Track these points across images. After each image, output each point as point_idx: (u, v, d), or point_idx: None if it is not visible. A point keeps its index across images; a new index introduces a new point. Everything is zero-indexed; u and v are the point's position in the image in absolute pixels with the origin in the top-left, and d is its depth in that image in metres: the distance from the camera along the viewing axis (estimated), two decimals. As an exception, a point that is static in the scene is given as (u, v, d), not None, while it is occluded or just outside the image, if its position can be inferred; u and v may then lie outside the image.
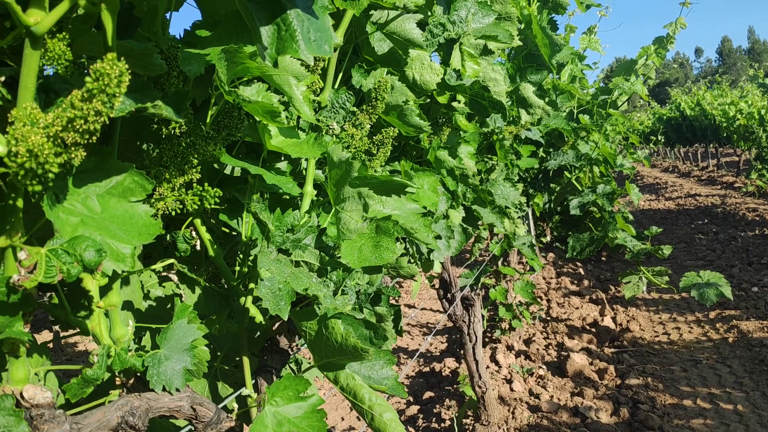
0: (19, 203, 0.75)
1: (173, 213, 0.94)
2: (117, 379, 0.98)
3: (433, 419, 3.81)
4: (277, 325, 1.32)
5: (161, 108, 0.82)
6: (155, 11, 1.24)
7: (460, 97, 2.37)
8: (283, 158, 1.44)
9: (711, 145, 20.23)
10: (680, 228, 10.23)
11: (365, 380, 1.17)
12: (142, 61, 0.98)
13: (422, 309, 6.84)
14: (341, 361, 1.09)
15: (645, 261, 6.96)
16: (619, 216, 4.82)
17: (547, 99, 3.54)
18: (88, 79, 0.63)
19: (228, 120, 0.98)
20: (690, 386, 4.06)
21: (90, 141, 0.66)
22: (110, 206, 0.82)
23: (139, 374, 0.98)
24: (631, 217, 5.58)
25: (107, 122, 0.65)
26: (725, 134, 16.74)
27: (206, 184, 0.97)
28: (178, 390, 0.97)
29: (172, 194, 0.92)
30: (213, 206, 1.05)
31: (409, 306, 6.90)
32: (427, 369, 4.82)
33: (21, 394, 0.78)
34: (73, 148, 0.66)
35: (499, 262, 4.81)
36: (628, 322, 5.35)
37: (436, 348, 5.45)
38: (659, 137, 23.01)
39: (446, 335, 5.71)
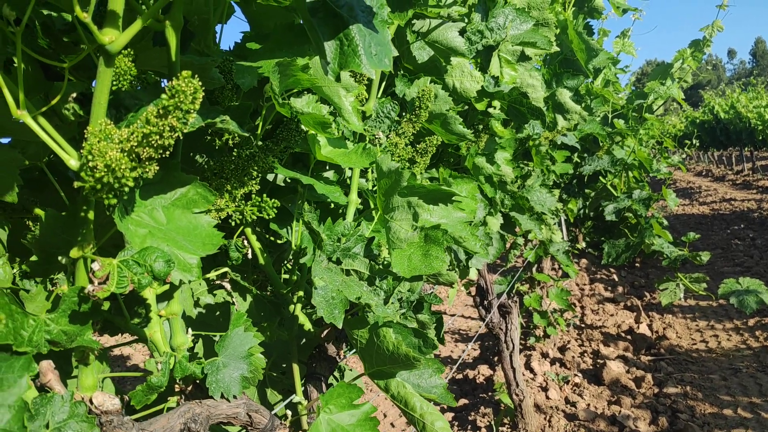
0: (91, 215, 0.77)
1: (233, 223, 0.96)
2: (176, 386, 1.00)
3: (468, 426, 3.80)
4: (325, 332, 1.34)
5: (228, 123, 0.84)
6: (207, 25, 1.28)
7: (495, 102, 2.37)
8: (328, 168, 1.46)
9: (746, 149, 19.85)
10: (716, 233, 10.05)
11: (414, 388, 1.18)
12: (202, 75, 1.00)
13: (453, 315, 6.82)
14: (392, 369, 1.10)
15: (680, 267, 6.86)
16: (655, 222, 4.76)
17: (582, 104, 3.52)
18: (164, 96, 0.65)
19: (286, 132, 1.00)
20: (730, 395, 3.99)
21: (163, 155, 0.68)
22: (175, 217, 0.84)
23: (197, 381, 1.00)
24: (665, 222, 5.51)
25: (181, 137, 0.67)
26: (761, 137, 16.42)
27: (264, 195, 0.99)
28: (235, 397, 0.99)
29: (232, 205, 0.94)
30: (267, 218, 1.07)
31: (443, 313, 6.88)
32: (460, 376, 4.81)
33: (90, 401, 0.80)
34: (147, 163, 0.68)
35: (533, 269, 4.79)
36: (664, 329, 5.27)
37: (469, 355, 5.43)
38: (693, 141, 22.65)
39: (479, 342, 5.68)
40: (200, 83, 0.66)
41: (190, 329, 1.01)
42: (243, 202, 0.97)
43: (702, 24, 4.84)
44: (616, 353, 4.74)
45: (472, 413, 3.94)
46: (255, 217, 0.99)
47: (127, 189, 0.68)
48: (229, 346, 0.99)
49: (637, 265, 7.90)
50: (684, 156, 31.82)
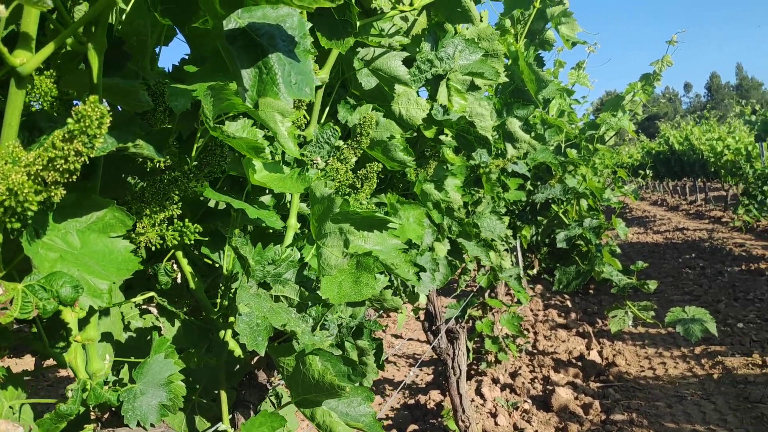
0: (-1, 238, 0.76)
1: (153, 248, 0.95)
2: (92, 413, 0.98)
3: (417, 452, 3.78)
4: (255, 359, 1.32)
5: (142, 147, 0.83)
6: (144, 46, 1.27)
7: (449, 131, 2.40)
8: (267, 191, 1.46)
9: (699, 180, 20.44)
10: (668, 262, 10.28)
11: (343, 417, 1.17)
12: (129, 98, 0.99)
13: (409, 339, 6.81)
14: (318, 397, 1.09)
15: (632, 295, 6.99)
16: (605, 250, 4.85)
17: (533, 133, 3.58)
18: (69, 120, 0.64)
19: (210, 157, 1.00)
20: (674, 422, 4.05)
21: (70, 180, 0.67)
22: (90, 241, 0.83)
23: (114, 408, 0.98)
24: (618, 250, 5.63)
25: (87, 162, 0.66)
26: (713, 169, 16.93)
27: (186, 220, 0.98)
28: (153, 425, 0.97)
29: (152, 230, 0.93)
30: (194, 241, 1.06)
31: (397, 336, 6.88)
32: (412, 401, 4.79)
33: (-7, 429, 0.78)
34: (53, 187, 0.67)
35: (487, 294, 4.82)
36: (614, 356, 5.34)
37: (422, 380, 5.42)
38: (647, 171, 23.23)
39: (432, 367, 5.68)
40: (109, 109, 0.65)
41: (108, 356, 0.99)
42: (164, 226, 0.96)
43: (659, 56, 5.00)
44: (566, 379, 4.79)
45: (422, 439, 3.93)
46: (176, 242, 0.98)
47: (30, 213, 0.67)
48: (148, 373, 0.97)
49: (590, 291, 8.03)
50: (640, 185, 32.62)
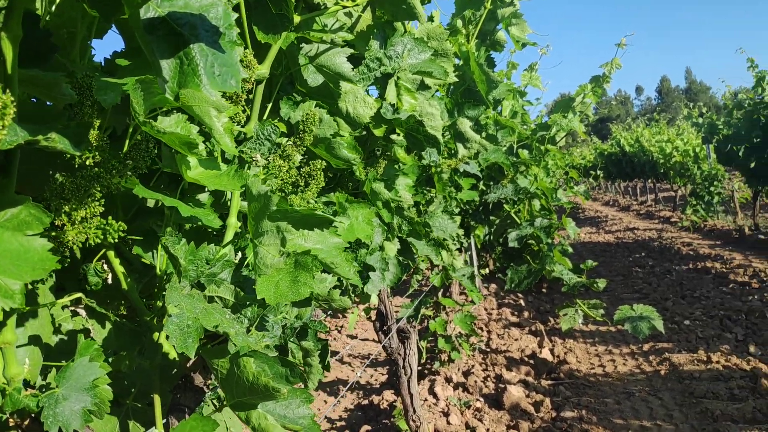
0: None
1: (75, 247, 0.91)
2: (11, 420, 0.93)
3: (370, 453, 3.77)
4: (191, 362, 1.29)
5: (55, 141, 0.79)
6: (74, 39, 1.22)
7: (400, 130, 2.39)
8: (206, 189, 1.42)
9: (649, 181, 20.95)
10: (618, 261, 10.50)
11: (280, 419, 1.15)
12: (51, 91, 0.95)
13: (364, 340, 6.80)
14: (253, 400, 1.06)
15: (584, 293, 7.11)
16: (556, 249, 4.92)
17: (485, 134, 3.60)
18: (-31, 110, 0.60)
19: (135, 152, 0.96)
20: (623, 419, 4.13)
21: (-28, 174, 0.63)
22: (3, 240, 0.79)
23: (34, 415, 0.93)
24: (570, 250, 5.70)
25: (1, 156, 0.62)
26: (662, 170, 17.37)
27: (110, 218, 0.94)
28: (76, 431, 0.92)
29: (73, 228, 0.89)
30: (123, 239, 1.02)
31: (352, 337, 6.85)
32: (366, 402, 4.77)
33: None
34: (-47, 181, 0.63)
35: (440, 293, 4.84)
36: (565, 354, 5.42)
37: (376, 380, 5.41)
38: (599, 172, 23.71)
39: (387, 367, 5.67)
40: (12, 99, 0.62)
41: (28, 360, 0.94)
42: (86, 224, 0.92)
43: (604, 63, 5.08)
44: (518, 378, 4.83)
45: (374, 439, 3.91)
46: (99, 240, 0.94)
47: (-72, 209, 0.62)
48: (71, 377, 0.93)
49: (543, 290, 8.14)
50: (592, 186, 33.27)
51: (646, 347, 5.55)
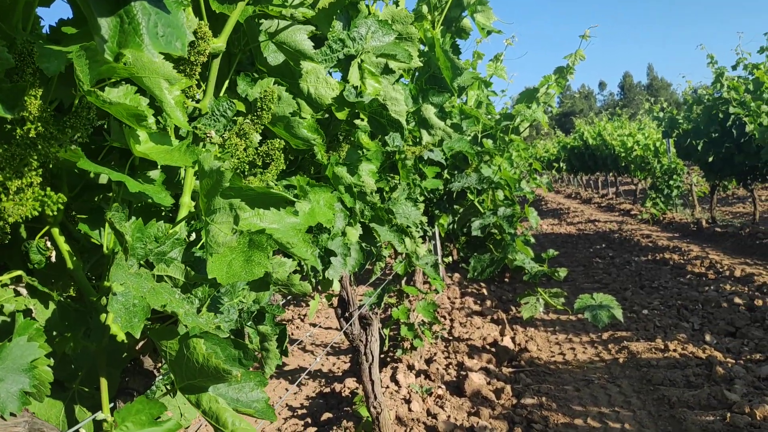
0: None
1: (11, 220, 0.85)
2: (-59, 403, 0.88)
3: (331, 441, 3.75)
4: (141, 344, 1.24)
5: (-16, 101, 0.74)
6: (14, 5, 1.16)
7: (363, 115, 2.35)
8: (158, 167, 1.37)
9: (611, 174, 21.29)
10: (580, 252, 10.64)
11: (233, 403, 1.11)
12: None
13: (327, 328, 6.77)
14: (203, 383, 1.03)
15: (546, 283, 7.18)
16: (519, 239, 4.95)
17: (450, 122, 3.59)
18: None
19: (74, 119, 0.91)
20: (582, 406, 4.18)
21: None
22: (-72, 209, 0.73)
23: (-33, 398, 0.88)
24: (533, 240, 5.75)
25: None
26: (623, 164, 17.66)
27: (48, 189, 0.89)
28: (13, 414, 0.88)
29: (8, 199, 0.83)
30: (69, 216, 0.97)
31: (314, 325, 6.82)
32: (327, 390, 4.75)
33: None
34: None
35: (404, 281, 4.83)
36: (526, 342, 5.47)
37: (338, 368, 5.38)
38: (561, 164, 23.99)
39: (350, 355, 5.65)
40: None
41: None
42: (23, 195, 0.86)
43: (568, 54, 5.10)
44: (480, 365, 4.86)
45: (335, 427, 3.89)
46: (36, 213, 0.88)
47: None
48: (7, 358, 0.88)
49: (506, 280, 8.21)
50: (554, 178, 33.69)
51: (605, 336, 5.64)
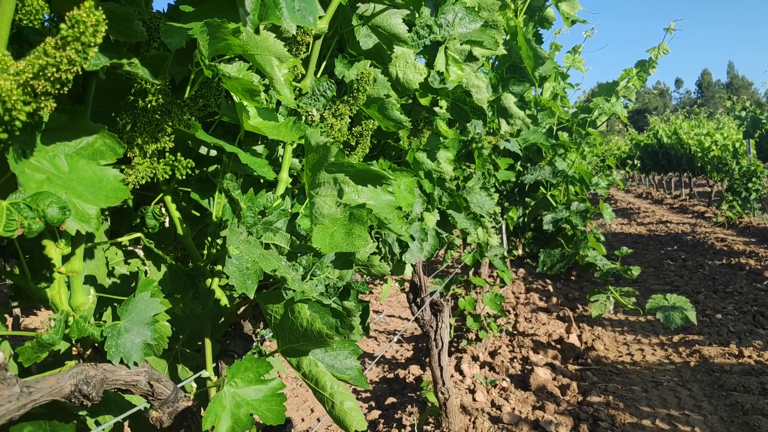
0: (-17, 155, 0.73)
1: (143, 181, 0.92)
2: (74, 349, 0.95)
3: (394, 425, 3.79)
4: (242, 309, 1.30)
5: (137, 67, 0.80)
6: (139, -18, 1.23)
7: (442, 102, 2.37)
8: (260, 142, 1.43)
9: (685, 174, 20.58)
10: (650, 253, 10.36)
11: (328, 369, 1.16)
12: (123, 26, 0.96)
13: (390, 316, 6.83)
14: (305, 347, 1.07)
15: (613, 282, 7.03)
16: (591, 235, 4.87)
17: (527, 112, 3.56)
18: (63, 25, 0.61)
19: (206, 90, 0.97)
20: (650, 407, 4.10)
21: (61, 92, 0.64)
22: (79, 167, 0.80)
23: (96, 345, 0.95)
24: (602, 238, 5.64)
25: (80, 72, 0.63)
26: (699, 164, 17.04)
27: (179, 154, 0.95)
28: (136, 364, 0.94)
29: (143, 162, 0.90)
30: (184, 181, 1.03)
31: (377, 312, 6.89)
32: (391, 375, 4.80)
33: (-29, 353, 0.75)
34: (42, 98, 0.64)
35: (470, 273, 4.83)
36: (593, 340, 5.39)
37: (402, 355, 5.43)
38: (635, 162, 23.33)
39: (413, 343, 5.70)
40: (104, 17, 0.62)
41: (92, 289, 0.96)
42: (155, 159, 0.93)
43: (651, 47, 4.97)
44: (545, 361, 4.82)
45: (399, 412, 3.94)
46: (167, 176, 0.95)
47: (18, 124, 0.64)
48: (132, 311, 0.95)
49: (572, 277, 8.08)
50: (626, 176, 32.80)
51: (676, 338, 5.49)
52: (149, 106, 0.89)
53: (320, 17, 1.44)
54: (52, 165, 0.78)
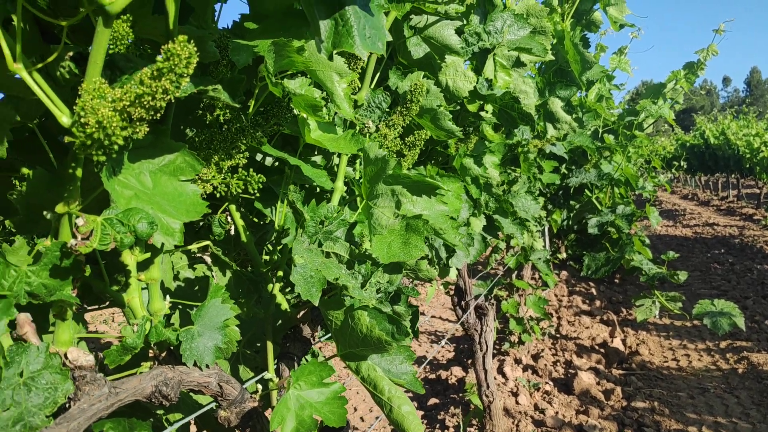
0: (78, 173, 0.79)
1: (218, 195, 0.97)
2: (150, 351, 1.01)
3: (437, 426, 3.83)
4: (301, 314, 1.36)
5: (220, 92, 0.85)
6: (206, 1, 1.29)
7: (488, 107, 2.39)
8: (317, 153, 1.48)
9: (732, 176, 20.08)
10: (696, 256, 10.16)
11: (385, 373, 1.20)
12: (199, 48, 1.01)
13: (432, 317, 6.86)
14: (364, 352, 1.12)
15: (659, 286, 6.92)
16: (636, 238, 4.81)
17: (573, 116, 3.55)
18: (159, 58, 0.66)
19: (277, 109, 1.02)
20: (696, 413, 4.05)
21: (154, 117, 0.70)
22: (161, 183, 0.86)
23: (171, 348, 1.01)
24: (647, 241, 5.57)
25: (173, 101, 0.68)
26: (748, 165, 16.61)
27: (251, 170, 1.00)
28: (207, 366, 1.00)
29: (219, 176, 0.95)
30: (252, 193, 1.08)
31: (422, 314, 6.92)
32: (433, 376, 4.84)
33: (65, 355, 0.82)
34: (138, 123, 0.70)
35: (513, 275, 4.82)
36: (637, 345, 5.33)
37: (443, 356, 5.46)
38: (681, 163, 22.85)
39: (454, 344, 5.72)
40: (196, 50, 0.68)
41: (168, 297, 1.02)
42: (229, 175, 0.98)
43: (699, 48, 4.90)
44: (589, 365, 4.79)
45: (442, 413, 3.97)
46: (240, 190, 1.00)
47: (116, 147, 0.69)
48: (205, 316, 1.01)
49: (616, 281, 7.98)
50: (671, 178, 32.10)
51: (723, 344, 5.39)
52: (228, 127, 0.95)
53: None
54: (138, 182, 0.84)
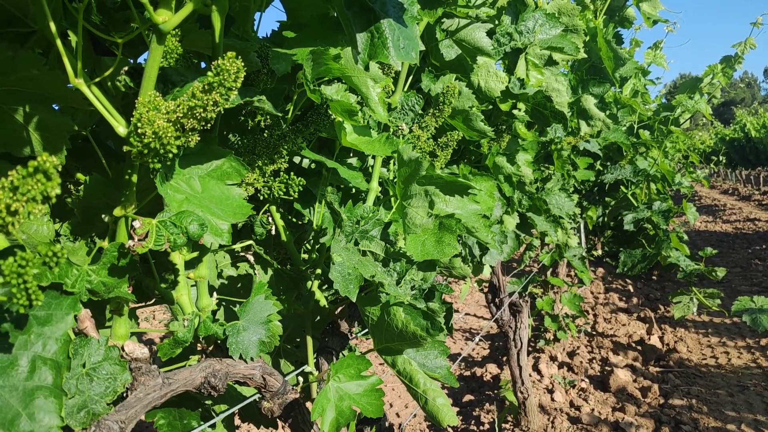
0: (134, 179, 0.85)
1: (261, 197, 1.03)
2: (198, 345, 1.08)
3: (472, 422, 3.86)
4: (339, 310, 1.41)
5: (264, 102, 0.91)
6: (246, 12, 1.35)
7: (520, 105, 2.42)
8: (352, 155, 1.53)
9: (775, 169, 19.58)
10: (737, 252, 9.97)
11: (420, 367, 1.25)
12: (242, 59, 1.07)
13: (466, 314, 6.87)
14: (400, 346, 1.17)
15: (697, 283, 6.82)
16: (673, 235, 4.77)
17: (607, 112, 3.54)
18: (209, 73, 0.72)
19: (316, 116, 1.07)
20: (735, 411, 4.00)
21: (205, 128, 0.76)
22: (209, 187, 0.92)
23: (218, 342, 1.07)
24: (685, 237, 5.51)
25: (222, 112, 0.74)
26: (791, 159, 16.20)
27: (292, 174, 1.06)
28: (252, 359, 1.06)
29: (262, 180, 1.01)
30: (293, 195, 1.14)
31: (456, 311, 6.94)
32: (468, 373, 4.86)
33: (122, 348, 0.88)
34: (190, 133, 0.76)
35: (548, 273, 4.82)
36: (675, 342, 5.27)
37: (478, 354, 5.48)
38: (720, 158, 22.39)
39: (489, 341, 5.73)
40: (243, 64, 0.73)
41: (215, 293, 1.08)
42: (271, 178, 1.04)
43: (737, 41, 4.82)
44: (625, 362, 4.76)
45: (477, 409, 4.00)
46: (282, 193, 1.06)
47: (170, 155, 0.75)
48: (249, 312, 1.06)
49: (653, 278, 7.88)
50: (711, 173, 31.45)
51: (763, 341, 5.30)
52: (270, 133, 1.00)
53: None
54: (188, 186, 0.90)
